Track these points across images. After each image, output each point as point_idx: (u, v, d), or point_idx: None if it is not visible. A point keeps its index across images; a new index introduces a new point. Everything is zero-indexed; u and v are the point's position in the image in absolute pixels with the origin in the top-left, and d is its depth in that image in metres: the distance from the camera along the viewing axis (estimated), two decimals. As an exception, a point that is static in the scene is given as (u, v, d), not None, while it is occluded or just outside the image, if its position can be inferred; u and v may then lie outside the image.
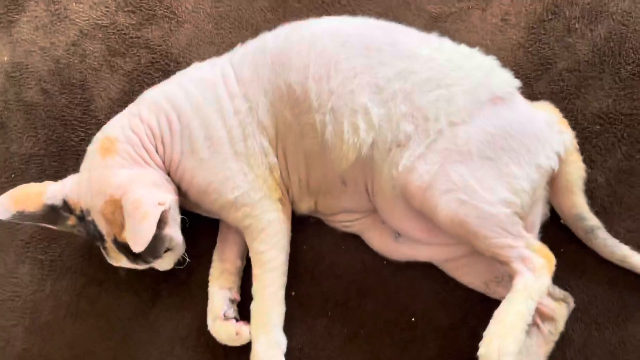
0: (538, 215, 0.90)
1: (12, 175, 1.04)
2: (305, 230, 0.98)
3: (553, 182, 0.89)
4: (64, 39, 1.09)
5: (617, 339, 0.91)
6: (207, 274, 0.96)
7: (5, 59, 1.09)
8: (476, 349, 0.90)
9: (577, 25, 1.02)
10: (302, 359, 0.94)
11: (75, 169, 0.93)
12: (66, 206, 0.86)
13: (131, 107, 0.91)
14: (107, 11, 1.09)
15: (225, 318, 0.92)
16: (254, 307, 0.91)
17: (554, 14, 1.03)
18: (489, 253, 0.83)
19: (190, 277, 0.99)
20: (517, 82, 0.87)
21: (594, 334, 0.91)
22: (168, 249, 0.87)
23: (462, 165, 0.81)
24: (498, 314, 0.81)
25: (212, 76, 0.90)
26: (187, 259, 0.91)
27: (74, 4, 1.10)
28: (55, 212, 0.86)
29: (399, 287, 0.96)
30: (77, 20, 1.09)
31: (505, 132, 0.83)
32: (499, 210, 0.81)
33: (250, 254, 0.92)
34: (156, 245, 0.83)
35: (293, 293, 0.96)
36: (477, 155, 0.82)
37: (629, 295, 0.92)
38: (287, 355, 0.91)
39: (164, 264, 0.90)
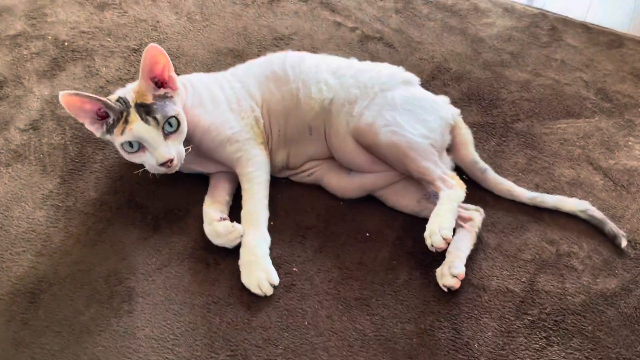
0: (447, 163, 1.28)
1: (41, 156, 1.29)
2: (279, 186, 1.28)
3: (454, 142, 1.29)
4: (94, 85, 1.48)
5: (520, 241, 1.21)
6: (201, 214, 1.19)
7: (46, 93, 1.44)
8: (419, 250, 1.18)
9: (449, 82, 1.58)
10: (281, 264, 1.13)
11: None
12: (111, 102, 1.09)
13: None
14: (127, 71, 1.53)
15: (220, 220, 1.13)
16: (244, 212, 1.14)
17: (434, 78, 1.59)
18: (417, 174, 1.15)
19: (187, 214, 1.21)
20: (418, 78, 1.35)
21: (503, 239, 1.21)
22: (176, 123, 1.09)
23: (392, 112, 1.19)
24: (433, 212, 1.11)
25: (215, 74, 1.31)
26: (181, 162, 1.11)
27: (103, 68, 1.53)
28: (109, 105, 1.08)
29: (354, 216, 1.23)
30: (105, 75, 1.51)
31: (416, 97, 1.25)
32: (421, 140, 1.17)
33: (241, 178, 1.18)
34: (166, 106, 1.09)
35: (272, 223, 1.20)
36: (400, 107, 1.21)
37: (520, 215, 1.25)
38: (268, 262, 1.11)
39: (167, 148, 1.07)
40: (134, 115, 1.07)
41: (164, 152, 1.07)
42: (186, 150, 1.13)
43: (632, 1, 2.08)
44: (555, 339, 1.05)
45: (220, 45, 1.65)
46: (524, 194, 1.26)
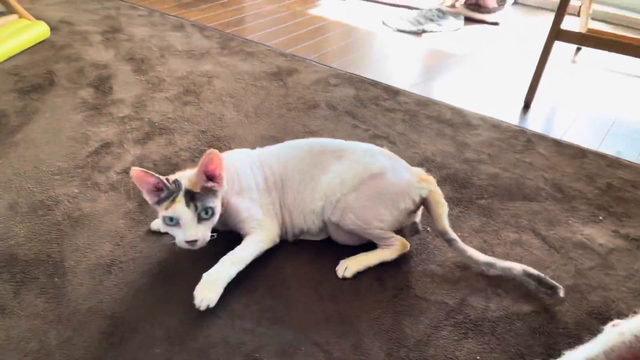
0: (417, 220, 1.71)
1: (127, 189, 1.85)
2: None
3: (429, 212, 1.67)
4: (171, 150, 2.07)
5: (461, 274, 1.60)
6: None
7: (138, 152, 2.04)
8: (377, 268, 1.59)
9: (432, 169, 2.06)
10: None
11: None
12: (169, 181, 1.45)
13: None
14: (195, 144, 2.12)
15: None
16: (231, 252, 1.47)
17: (421, 165, 2.08)
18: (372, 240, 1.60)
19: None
20: (388, 165, 1.76)
21: (447, 270, 1.60)
22: (211, 213, 1.40)
23: (351, 214, 1.52)
24: (362, 254, 1.57)
25: (251, 158, 1.69)
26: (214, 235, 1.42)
27: (179, 141, 2.14)
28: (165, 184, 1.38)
29: (341, 247, 1.68)
30: (180, 145, 2.10)
31: (377, 193, 1.53)
32: (372, 231, 1.53)
33: (245, 238, 1.53)
34: (208, 198, 1.39)
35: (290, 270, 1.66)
36: (359, 207, 1.52)
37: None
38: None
39: (196, 230, 1.36)
40: (180, 198, 1.37)
41: (193, 232, 1.36)
42: (211, 237, 1.42)
43: (605, 125, 2.54)
44: (471, 335, 1.40)
45: (264, 133, 2.24)
46: (481, 258, 1.57)
